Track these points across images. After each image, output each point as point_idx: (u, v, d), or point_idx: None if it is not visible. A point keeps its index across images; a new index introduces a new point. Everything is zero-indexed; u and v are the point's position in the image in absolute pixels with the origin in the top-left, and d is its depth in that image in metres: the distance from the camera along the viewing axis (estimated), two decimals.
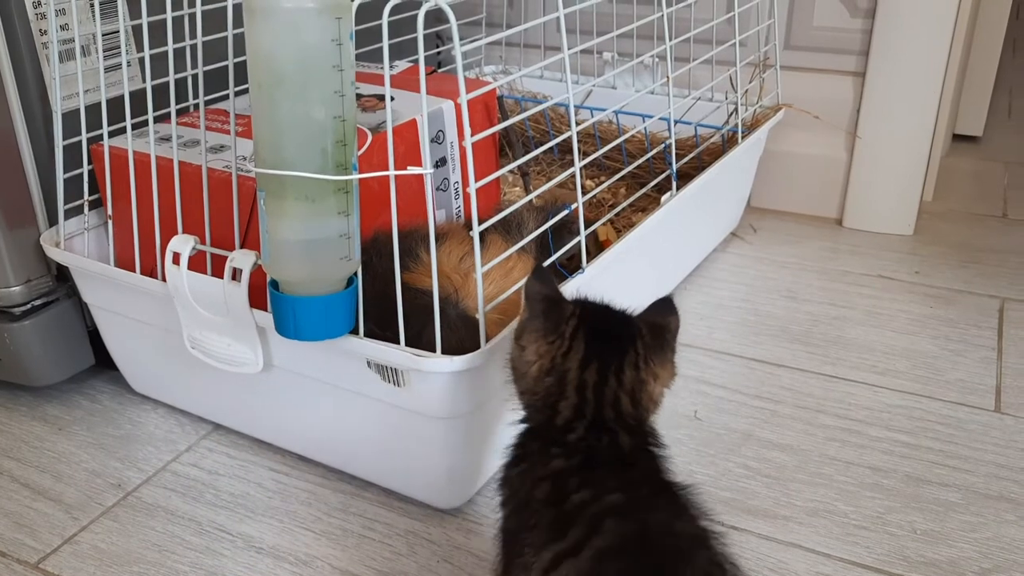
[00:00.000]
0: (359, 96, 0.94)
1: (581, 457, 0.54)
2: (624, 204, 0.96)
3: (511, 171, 1.20)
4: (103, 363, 0.94)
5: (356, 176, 0.60)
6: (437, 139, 0.92)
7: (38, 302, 0.88)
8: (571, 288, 0.78)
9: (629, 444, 0.56)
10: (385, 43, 0.60)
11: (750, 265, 1.21)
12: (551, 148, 1.25)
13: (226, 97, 0.75)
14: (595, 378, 0.56)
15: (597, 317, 0.59)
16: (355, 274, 0.66)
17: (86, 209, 0.86)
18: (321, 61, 0.57)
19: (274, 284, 0.64)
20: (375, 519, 0.78)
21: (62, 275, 0.89)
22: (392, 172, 0.61)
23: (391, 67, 1.04)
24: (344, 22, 0.57)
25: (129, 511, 0.80)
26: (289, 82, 0.57)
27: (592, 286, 0.83)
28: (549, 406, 0.57)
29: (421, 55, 0.60)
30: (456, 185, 0.96)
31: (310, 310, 0.63)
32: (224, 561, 0.74)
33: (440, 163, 0.93)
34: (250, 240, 0.76)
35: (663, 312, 0.59)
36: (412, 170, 0.61)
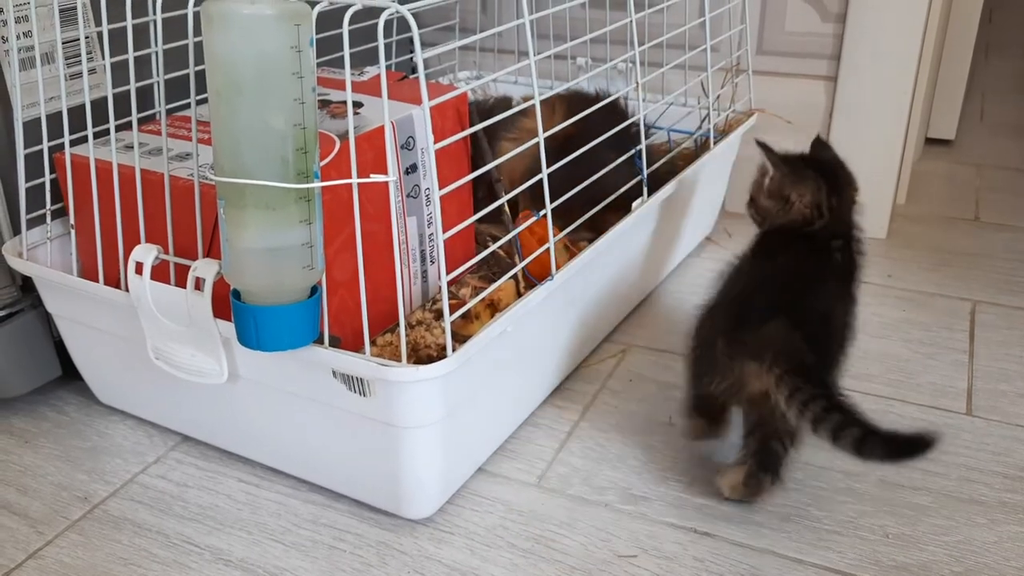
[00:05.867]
0: (329, 102, 0.93)
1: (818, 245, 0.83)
2: (595, 209, 0.96)
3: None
4: (70, 374, 0.93)
5: (317, 184, 0.60)
6: (407, 145, 0.92)
7: (2, 313, 0.87)
8: (543, 292, 0.78)
9: (845, 240, 0.84)
10: (346, 50, 0.60)
11: None
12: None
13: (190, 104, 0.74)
14: (837, 200, 0.84)
15: (813, 160, 0.87)
16: (318, 283, 0.65)
17: (48, 219, 0.85)
18: (280, 68, 0.56)
19: (236, 294, 0.64)
20: (345, 530, 0.77)
21: (27, 285, 0.88)
22: (355, 180, 0.61)
23: (362, 73, 1.03)
24: (303, 29, 0.57)
25: (95, 524, 0.78)
26: (248, 90, 0.56)
27: (562, 292, 0.83)
28: (807, 222, 0.83)
29: (382, 62, 0.59)
30: (427, 191, 0.95)
31: (272, 320, 0.62)
32: (191, 574, 0.73)
33: (411, 169, 0.93)
34: (215, 249, 0.75)
35: (827, 148, 0.91)
36: (375, 178, 0.60)
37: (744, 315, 0.76)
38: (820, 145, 0.91)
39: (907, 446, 0.67)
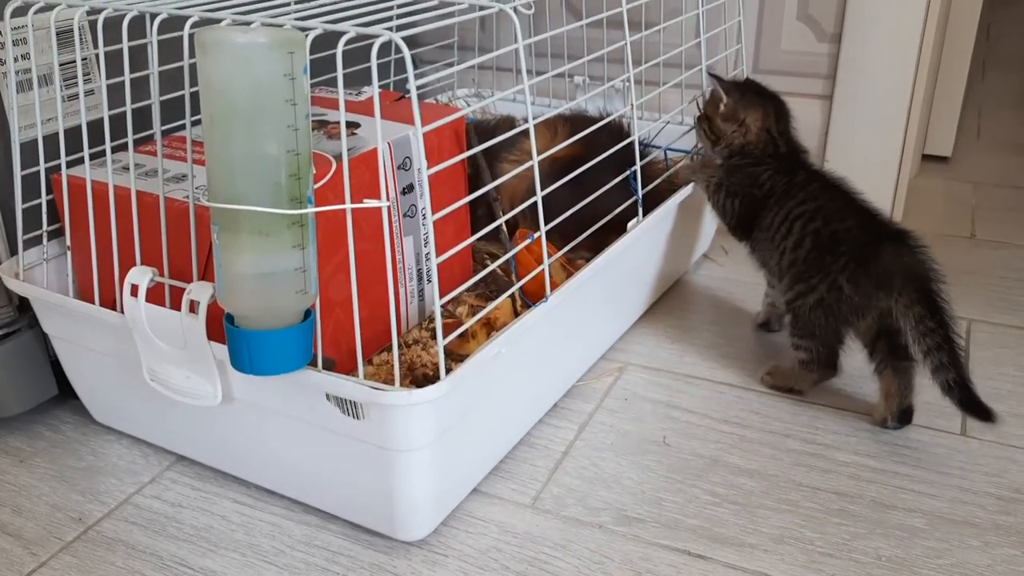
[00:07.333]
0: (326, 123, 0.93)
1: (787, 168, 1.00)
2: (591, 230, 0.96)
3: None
4: (66, 393, 0.93)
5: (310, 210, 0.60)
6: (404, 166, 0.92)
7: None
8: (538, 314, 0.78)
9: (800, 157, 1.03)
10: (339, 76, 0.60)
11: (721, 287, 1.22)
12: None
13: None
14: (783, 125, 1.02)
15: (753, 86, 1.04)
16: (311, 307, 0.65)
17: (45, 239, 0.85)
18: (274, 96, 0.57)
19: (229, 318, 0.64)
20: (339, 552, 0.77)
21: (24, 305, 0.88)
22: (348, 206, 0.61)
23: (359, 93, 1.04)
24: (297, 56, 0.57)
25: (89, 546, 0.78)
26: (241, 117, 0.57)
27: (558, 312, 0.83)
28: (772, 146, 1.01)
29: (375, 86, 0.60)
30: (424, 211, 0.96)
31: (265, 344, 0.62)
32: None
33: (407, 190, 0.93)
34: (209, 272, 0.75)
35: (758, 84, 1.06)
36: (368, 203, 0.60)
37: (855, 248, 0.89)
38: (752, 82, 1.06)
39: (978, 410, 0.83)
